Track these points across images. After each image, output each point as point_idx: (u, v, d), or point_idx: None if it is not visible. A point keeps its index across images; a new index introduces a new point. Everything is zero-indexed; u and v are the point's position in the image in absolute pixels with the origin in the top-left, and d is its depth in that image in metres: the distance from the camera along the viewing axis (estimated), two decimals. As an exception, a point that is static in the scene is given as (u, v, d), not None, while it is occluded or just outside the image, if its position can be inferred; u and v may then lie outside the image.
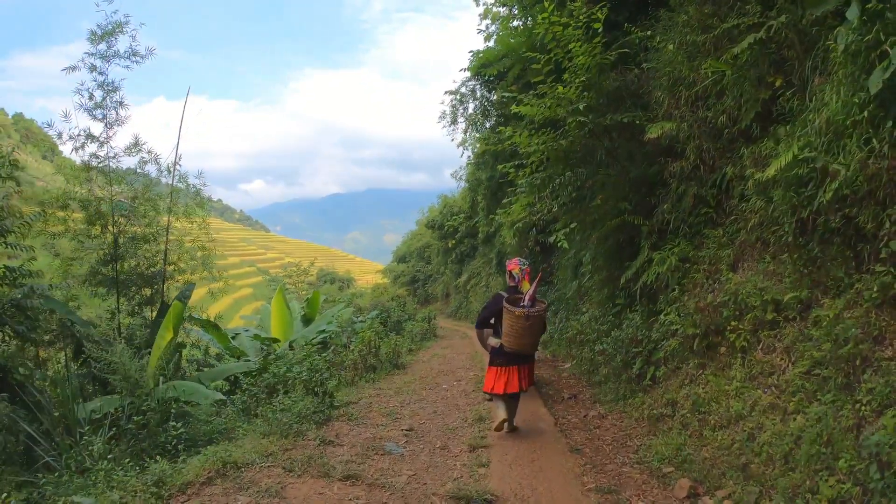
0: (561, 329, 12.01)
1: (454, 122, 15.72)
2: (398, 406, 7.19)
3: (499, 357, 5.68)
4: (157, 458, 4.77)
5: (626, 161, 7.62)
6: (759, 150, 5.15)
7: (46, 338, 9.60)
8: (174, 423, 5.90)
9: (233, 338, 15.28)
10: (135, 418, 5.91)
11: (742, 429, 4.48)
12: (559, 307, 13.23)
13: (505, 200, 9.81)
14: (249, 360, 11.51)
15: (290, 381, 7.05)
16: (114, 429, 5.87)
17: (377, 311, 17.59)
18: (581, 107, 6.84)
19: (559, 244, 7.18)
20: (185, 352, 13.87)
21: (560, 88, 6.95)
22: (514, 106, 7.59)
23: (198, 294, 13.64)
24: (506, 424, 5.70)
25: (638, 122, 6.92)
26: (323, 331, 12.72)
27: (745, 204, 5.54)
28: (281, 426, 5.53)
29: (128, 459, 4.69)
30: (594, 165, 7.67)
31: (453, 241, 31.51)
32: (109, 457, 4.85)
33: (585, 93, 6.97)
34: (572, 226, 7.26)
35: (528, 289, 5.58)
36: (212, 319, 13.35)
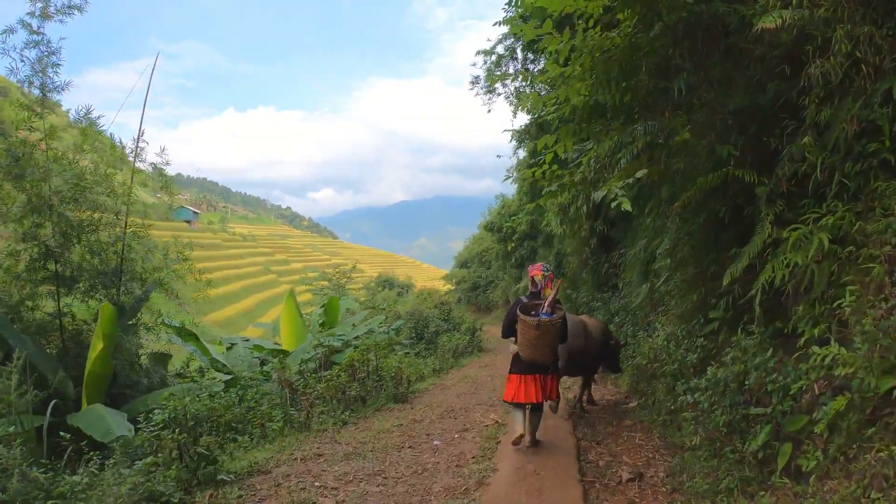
0: (627, 352, 9.06)
1: (491, 89, 12.85)
2: (327, 490, 4.46)
3: (517, 365, 5.44)
4: None
5: (719, 85, 4.65)
6: None
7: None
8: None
9: (228, 348, 13.12)
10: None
11: None
12: (624, 320, 10.15)
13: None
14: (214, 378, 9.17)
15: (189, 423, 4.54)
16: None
17: (402, 322, 14.89)
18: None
19: (614, 205, 4.22)
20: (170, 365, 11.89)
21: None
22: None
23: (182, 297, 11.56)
24: (525, 439, 5.31)
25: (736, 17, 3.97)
26: (321, 344, 10.19)
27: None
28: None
29: None
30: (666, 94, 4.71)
31: (512, 244, 29.27)
32: None
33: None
34: (639, 175, 4.26)
35: (550, 294, 5.24)
36: (187, 327, 11.13)
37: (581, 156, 5.41)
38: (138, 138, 10.10)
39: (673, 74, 4.83)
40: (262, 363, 11.97)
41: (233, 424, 6.78)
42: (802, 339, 3.63)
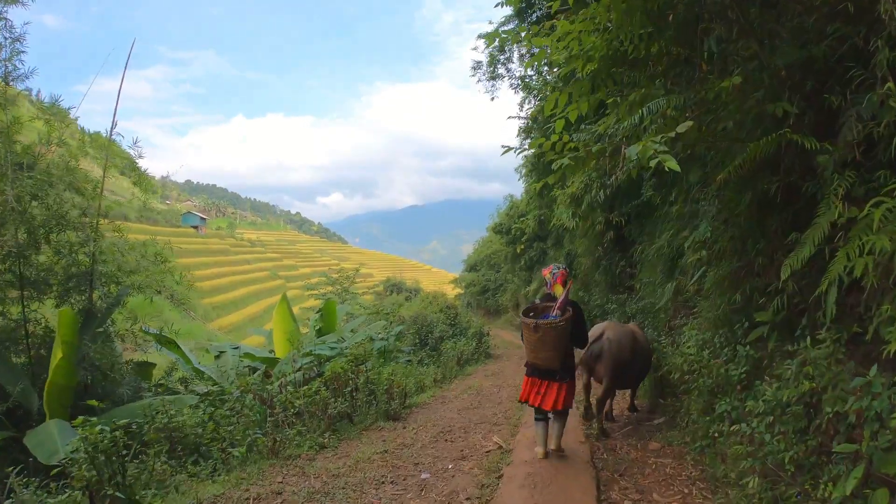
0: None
1: (494, 75, 11.92)
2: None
3: (527, 367, 5.22)
4: None
5: (763, 40, 3.76)
6: None
7: None
8: None
9: (217, 356, 12.31)
10: None
11: None
12: (643, 324, 9.23)
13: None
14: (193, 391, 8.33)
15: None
16: None
17: (402, 327, 13.99)
18: None
19: (652, 163, 3.26)
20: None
21: None
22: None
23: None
24: (550, 443, 5.09)
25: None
26: (310, 352, 9.36)
27: None
28: None
29: None
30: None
31: (521, 246, 28.69)
32: None
33: None
34: (681, 129, 3.29)
35: (561, 293, 4.99)
36: (167, 334, 10.37)
37: (597, 122, 4.51)
38: (111, 129, 9.31)
39: (703, 33, 3.96)
40: (254, 372, 11.17)
41: (200, 447, 5.98)
42: (891, 349, 2.73)
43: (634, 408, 6.87)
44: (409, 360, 12.27)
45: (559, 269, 5.24)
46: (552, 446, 5.04)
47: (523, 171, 19.28)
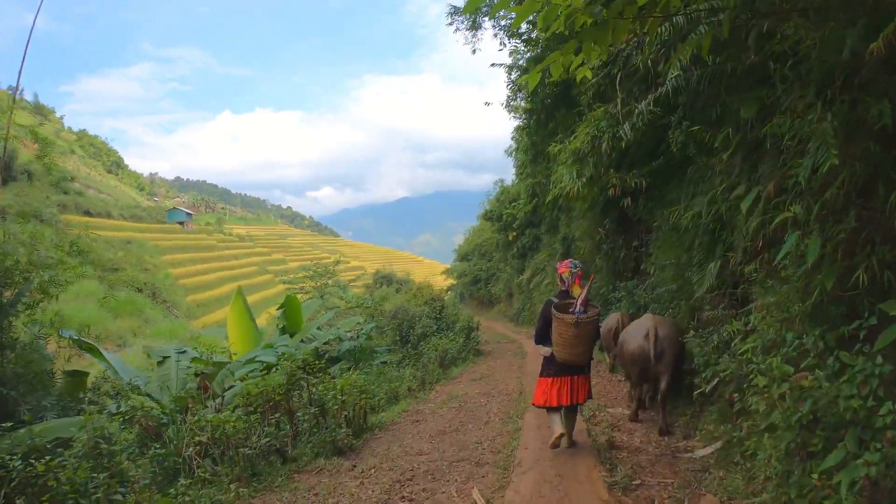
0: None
1: (475, 24, 10.07)
2: None
3: (550, 367, 5.13)
4: None
5: None
6: None
7: None
8: None
9: (160, 362, 10.56)
10: None
11: None
12: (658, 314, 7.61)
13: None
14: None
15: None
16: None
17: (373, 325, 12.21)
18: None
19: None
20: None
21: None
22: None
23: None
24: (563, 439, 5.04)
25: None
26: (254, 359, 7.66)
27: None
28: None
29: None
30: None
31: (513, 233, 27.41)
32: None
33: None
34: None
35: (579, 293, 5.03)
36: (85, 338, 8.67)
37: None
38: (16, 90, 7.51)
39: None
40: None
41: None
42: None
43: (667, 429, 5.58)
44: (383, 363, 10.58)
45: (578, 267, 5.26)
46: (567, 443, 5.09)
47: (515, 144, 17.61)
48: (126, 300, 39.59)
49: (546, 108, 9.39)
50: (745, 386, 3.87)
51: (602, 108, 6.14)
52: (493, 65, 10.32)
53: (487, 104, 10.69)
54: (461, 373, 10.54)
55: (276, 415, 5.12)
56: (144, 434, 4.87)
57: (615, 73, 5.91)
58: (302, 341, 11.30)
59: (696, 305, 6.53)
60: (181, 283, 55.09)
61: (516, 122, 14.07)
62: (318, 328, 11.41)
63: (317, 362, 6.69)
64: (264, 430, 4.82)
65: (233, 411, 4.80)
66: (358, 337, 10.64)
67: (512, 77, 10.42)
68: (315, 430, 5.32)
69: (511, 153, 21.83)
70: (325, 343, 11.36)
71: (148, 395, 8.73)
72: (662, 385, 5.52)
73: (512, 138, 18.51)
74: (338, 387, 5.83)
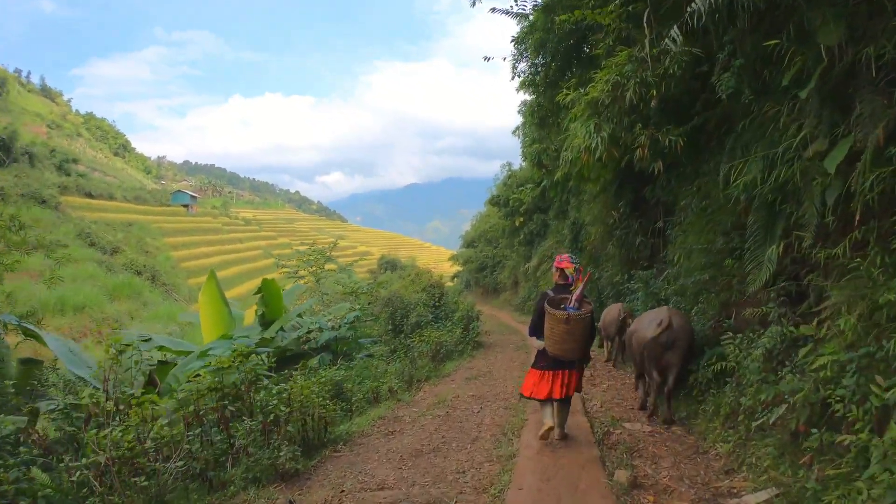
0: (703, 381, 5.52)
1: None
2: None
3: (542, 360, 5.11)
4: None
5: None
6: None
7: None
8: None
9: (120, 351, 9.51)
10: None
11: None
12: (681, 308, 6.48)
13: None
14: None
15: None
16: None
17: (357, 314, 11.04)
18: None
19: None
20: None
21: None
22: None
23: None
24: (555, 432, 5.04)
25: None
26: (206, 352, 6.61)
27: None
28: None
29: None
30: None
31: (520, 219, 26.18)
32: None
33: None
34: None
35: (578, 287, 5.04)
36: (28, 324, 7.70)
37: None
38: None
39: None
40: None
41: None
42: None
43: (672, 419, 5.61)
44: (369, 355, 9.49)
45: (578, 262, 5.25)
46: (557, 435, 5.06)
47: (521, 118, 16.30)
48: (123, 282, 38.85)
49: (556, 61, 8.05)
50: (820, 415, 2.74)
51: (626, 52, 4.95)
52: (493, 10, 9.01)
53: (487, 59, 9.41)
54: (456, 368, 9.44)
55: (201, 428, 4.04)
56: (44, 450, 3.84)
57: (641, 11, 4.72)
58: (282, 329, 10.25)
59: (733, 300, 5.39)
60: (183, 266, 54.43)
61: (523, 96, 12.72)
62: (300, 315, 10.33)
63: (263, 363, 5.59)
64: (184, 448, 3.75)
65: (148, 422, 3.74)
66: (340, 327, 9.57)
67: (518, 27, 9.11)
68: (257, 447, 4.23)
69: (517, 132, 20.56)
70: (306, 333, 10.31)
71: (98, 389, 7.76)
72: (671, 377, 5.50)
73: (518, 111, 17.19)
74: (291, 392, 4.74)
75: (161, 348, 9.55)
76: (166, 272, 49.45)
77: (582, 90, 5.71)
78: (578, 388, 5.17)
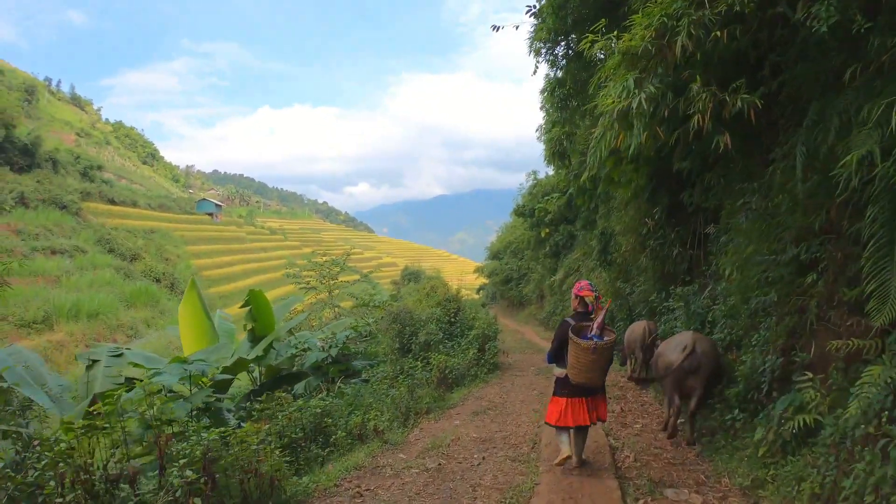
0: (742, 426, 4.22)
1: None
2: None
3: (565, 388, 5.06)
4: None
5: None
6: None
7: None
8: None
9: (89, 366, 8.50)
10: None
11: None
12: (730, 337, 5.27)
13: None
14: None
15: None
16: None
17: (347, 333, 9.83)
18: None
19: None
20: None
21: None
22: None
23: None
24: (572, 460, 4.99)
25: None
26: (158, 371, 5.53)
27: None
28: None
29: None
30: None
31: (545, 230, 24.88)
32: None
33: None
34: None
35: (598, 315, 5.01)
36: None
37: None
38: None
39: None
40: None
41: None
42: None
43: (694, 441, 5.68)
44: (364, 381, 8.31)
45: (597, 290, 5.17)
46: (575, 463, 4.97)
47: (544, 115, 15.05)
48: (140, 289, 38.60)
49: (580, 24, 6.68)
50: None
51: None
52: (494, 27, 7.99)
53: (496, 28, 8.26)
54: (464, 398, 8.21)
55: (59, 501, 2.92)
56: None
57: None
58: (273, 347, 9.17)
59: (810, 327, 4.09)
60: (205, 275, 54.24)
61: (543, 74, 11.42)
62: (291, 332, 9.23)
63: (211, 396, 4.46)
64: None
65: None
66: (331, 347, 8.43)
67: None
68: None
69: (539, 132, 19.32)
70: (301, 351, 9.20)
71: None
72: (693, 401, 5.55)
73: (540, 108, 15.89)
74: (230, 439, 3.59)
75: (135, 364, 8.57)
76: (185, 280, 49.38)
77: (616, 40, 4.37)
78: (603, 416, 5.14)
